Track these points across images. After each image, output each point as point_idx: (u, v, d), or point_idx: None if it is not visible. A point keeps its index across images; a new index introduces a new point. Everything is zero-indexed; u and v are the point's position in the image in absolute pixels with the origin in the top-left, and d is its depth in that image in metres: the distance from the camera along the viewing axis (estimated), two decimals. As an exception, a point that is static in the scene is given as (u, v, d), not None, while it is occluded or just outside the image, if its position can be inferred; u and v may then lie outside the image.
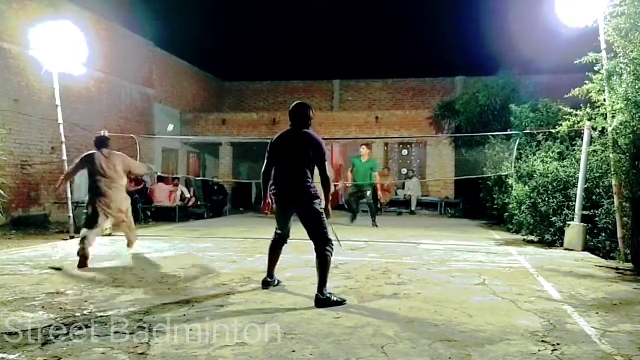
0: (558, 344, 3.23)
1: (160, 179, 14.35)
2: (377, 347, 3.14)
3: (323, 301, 4.18)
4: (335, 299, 4.25)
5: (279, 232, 4.84)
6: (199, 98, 20.70)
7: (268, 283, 4.82)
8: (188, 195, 14.11)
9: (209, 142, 18.97)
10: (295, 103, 4.80)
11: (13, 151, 10.71)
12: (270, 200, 4.59)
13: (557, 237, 8.02)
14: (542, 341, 3.29)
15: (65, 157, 9.10)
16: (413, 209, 16.32)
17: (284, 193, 4.52)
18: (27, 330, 3.40)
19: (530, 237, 8.72)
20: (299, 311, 4.02)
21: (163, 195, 13.45)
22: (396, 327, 3.57)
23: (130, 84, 15.38)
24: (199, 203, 14.69)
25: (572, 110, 7.54)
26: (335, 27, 24.92)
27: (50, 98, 9.06)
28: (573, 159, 8.38)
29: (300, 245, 8.20)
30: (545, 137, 9.59)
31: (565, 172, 8.22)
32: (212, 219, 13.89)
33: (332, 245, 4.41)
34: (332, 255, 4.39)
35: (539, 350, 3.11)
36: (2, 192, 7.84)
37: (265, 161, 4.68)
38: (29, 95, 11.17)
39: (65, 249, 7.32)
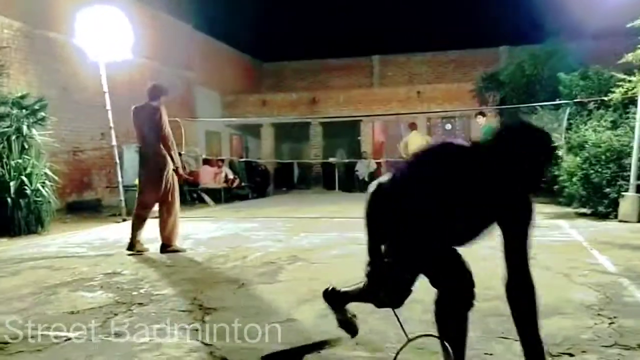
0: (615, 317, 3.14)
1: (205, 161, 14.62)
2: (428, 323, 3.12)
3: None
4: None
5: None
6: (239, 80, 20.86)
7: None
8: (231, 177, 14.35)
9: (250, 124, 19.14)
10: None
11: (64, 138, 11.10)
12: None
13: (610, 209, 7.77)
14: (598, 314, 3.21)
15: (114, 143, 9.36)
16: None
17: None
18: (87, 309, 3.55)
19: (582, 210, 8.47)
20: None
21: (208, 177, 13.72)
22: (446, 302, 3.54)
23: (172, 69, 15.61)
24: (242, 184, 14.92)
25: (625, 77, 7.23)
26: (372, 1, 24.47)
27: (97, 85, 9.31)
28: (627, 127, 8.08)
29: (343, 222, 8.25)
30: (596, 105, 9.25)
31: (619, 141, 7.92)
32: (256, 199, 14.09)
33: None
34: None
35: (595, 324, 3.04)
36: (56, 178, 8.15)
37: None
38: (77, 83, 11.51)
39: (118, 232, 7.58)
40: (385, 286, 2.28)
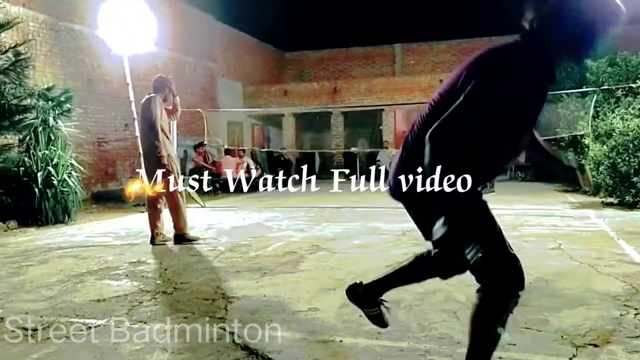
0: (642, 309, 3.09)
1: (227, 152, 14.72)
2: (449, 312, 3.11)
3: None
4: None
5: None
6: (260, 70, 20.88)
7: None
8: (253, 167, 14.42)
9: (272, 114, 19.18)
10: None
11: (89, 129, 11.27)
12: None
13: (638, 198, 7.61)
14: (624, 305, 3.15)
15: (137, 134, 9.45)
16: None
17: None
18: (113, 297, 3.62)
19: (609, 199, 8.31)
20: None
21: (230, 167, 13.80)
22: (468, 292, 3.50)
23: (194, 60, 15.70)
24: (264, 174, 14.98)
25: (655, 62, 7.03)
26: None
27: (121, 77, 9.39)
28: (656, 115, 7.86)
29: (365, 212, 8.24)
30: (624, 92, 9.02)
31: (648, 129, 7.72)
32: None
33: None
34: None
35: (621, 315, 2.99)
36: (82, 168, 8.29)
37: None
38: (101, 75, 11.66)
39: (142, 221, 7.68)
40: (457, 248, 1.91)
